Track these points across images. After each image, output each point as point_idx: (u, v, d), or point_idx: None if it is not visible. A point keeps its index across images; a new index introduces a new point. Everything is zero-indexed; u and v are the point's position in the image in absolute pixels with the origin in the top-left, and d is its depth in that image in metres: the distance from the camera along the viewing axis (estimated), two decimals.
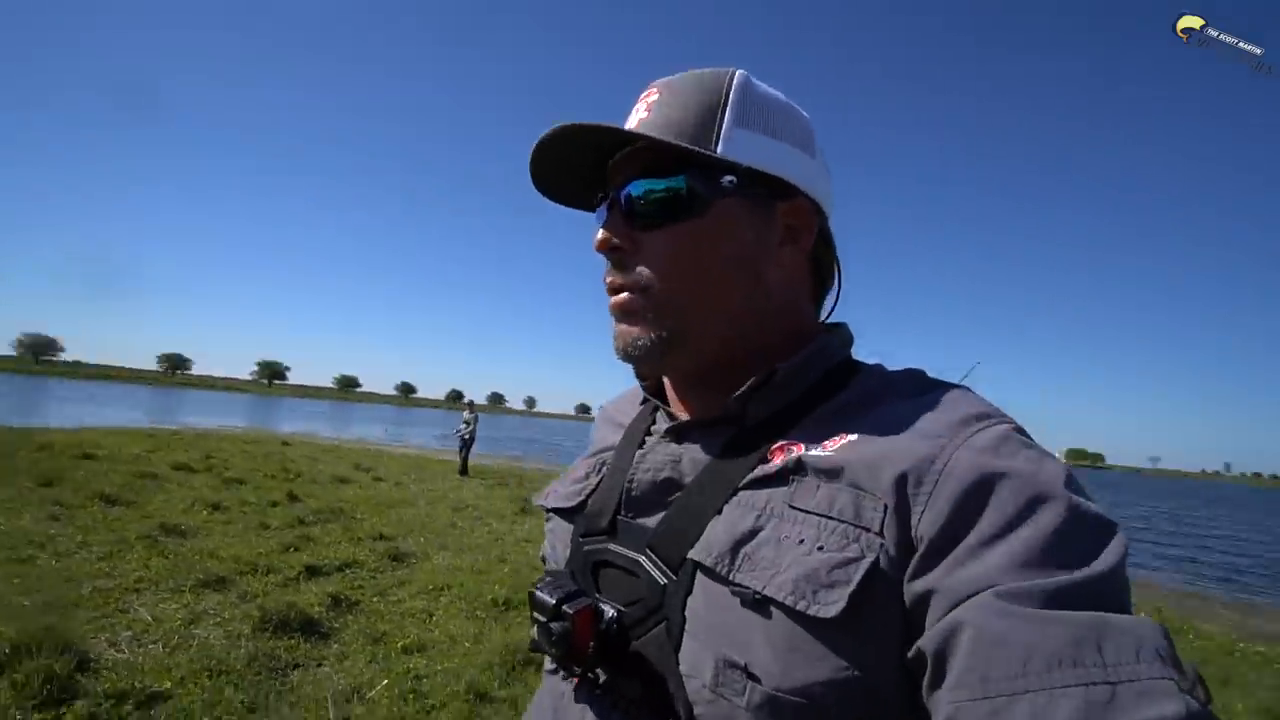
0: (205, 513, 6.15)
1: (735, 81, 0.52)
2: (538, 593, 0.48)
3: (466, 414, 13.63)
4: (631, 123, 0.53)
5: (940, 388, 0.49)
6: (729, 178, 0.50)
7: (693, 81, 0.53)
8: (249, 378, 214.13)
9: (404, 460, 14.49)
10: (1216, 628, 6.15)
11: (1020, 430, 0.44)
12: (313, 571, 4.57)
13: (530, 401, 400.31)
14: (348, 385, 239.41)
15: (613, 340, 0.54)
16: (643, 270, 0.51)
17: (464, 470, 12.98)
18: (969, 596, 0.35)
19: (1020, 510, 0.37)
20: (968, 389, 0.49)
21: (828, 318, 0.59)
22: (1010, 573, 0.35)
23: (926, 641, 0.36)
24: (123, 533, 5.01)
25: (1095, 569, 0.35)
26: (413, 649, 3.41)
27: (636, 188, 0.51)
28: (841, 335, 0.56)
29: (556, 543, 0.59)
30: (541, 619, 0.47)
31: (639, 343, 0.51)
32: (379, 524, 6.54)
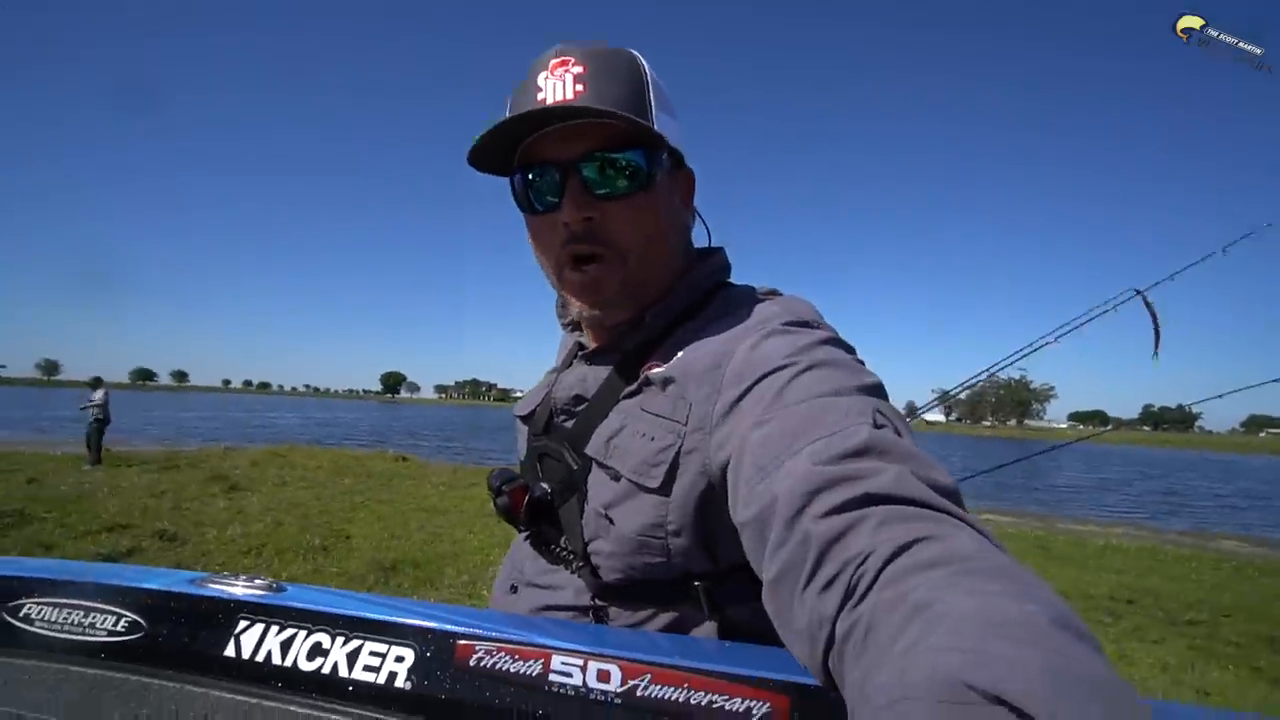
0: None
1: (647, 67, 0.61)
2: (490, 479, 0.70)
3: (96, 393, 11.26)
4: (560, 92, 0.57)
5: (765, 299, 0.64)
6: (664, 155, 0.62)
7: (613, 60, 0.59)
8: None
9: None
10: None
11: (802, 324, 0.57)
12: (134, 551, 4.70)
13: (180, 375, 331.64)
14: None
15: (578, 293, 0.64)
16: (613, 237, 0.60)
17: (96, 459, 10.86)
18: (742, 441, 0.48)
19: (776, 377, 0.50)
20: (786, 297, 0.64)
21: (709, 243, 0.72)
22: (764, 410, 0.48)
23: (739, 507, 0.47)
24: None
25: (845, 386, 0.48)
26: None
27: (596, 161, 0.58)
28: (713, 263, 0.70)
29: (520, 440, 0.77)
30: (492, 495, 0.70)
31: (609, 296, 0.63)
32: (91, 519, 6.07)
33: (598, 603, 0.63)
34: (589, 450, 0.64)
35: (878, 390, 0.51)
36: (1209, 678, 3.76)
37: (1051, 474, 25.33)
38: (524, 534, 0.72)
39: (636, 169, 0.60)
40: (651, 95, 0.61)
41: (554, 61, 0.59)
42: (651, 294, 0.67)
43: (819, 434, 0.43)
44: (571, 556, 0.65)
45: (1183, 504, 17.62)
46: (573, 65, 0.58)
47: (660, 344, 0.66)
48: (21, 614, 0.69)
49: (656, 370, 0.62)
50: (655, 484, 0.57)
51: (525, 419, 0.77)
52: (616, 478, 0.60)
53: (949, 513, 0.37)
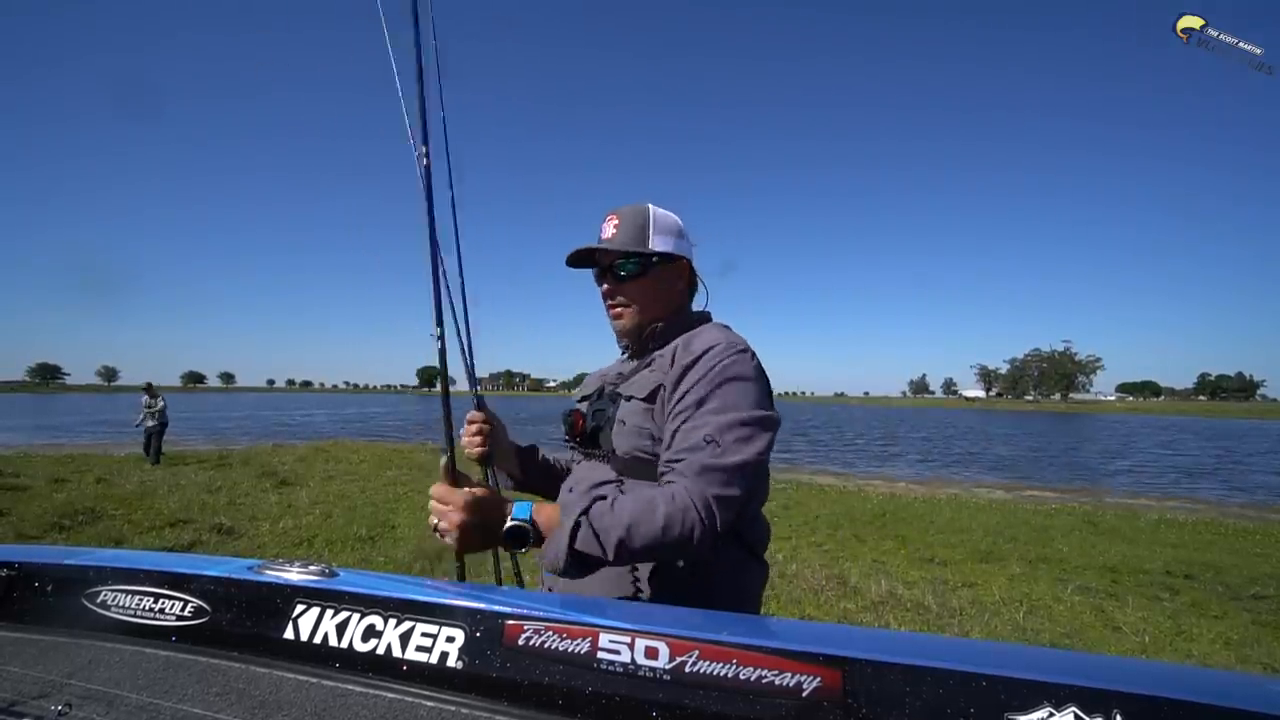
0: None
1: (652, 213, 1.14)
2: (563, 414, 1.20)
3: (147, 398, 11.86)
4: (607, 234, 1.14)
5: (708, 328, 1.11)
6: (654, 258, 1.13)
7: (633, 213, 1.14)
8: None
9: (56, 460, 11.62)
10: (837, 481, 11.11)
11: (731, 347, 1.02)
12: (195, 545, 4.95)
13: (228, 377, 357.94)
14: None
15: (615, 330, 1.18)
16: (626, 301, 1.15)
17: (156, 459, 11.45)
18: (676, 398, 1.01)
19: (700, 376, 0.99)
20: (718, 326, 1.12)
21: (704, 308, 1.22)
22: (687, 388, 1.00)
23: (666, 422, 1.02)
24: None
25: (728, 397, 0.97)
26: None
27: (619, 264, 1.13)
28: (694, 316, 1.19)
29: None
30: (563, 419, 1.19)
31: (629, 332, 1.16)
32: (154, 515, 6.40)
33: (621, 478, 1.05)
34: (620, 389, 1.11)
35: (740, 404, 0.97)
36: (1277, 653, 3.60)
37: (1126, 453, 24.04)
38: (577, 449, 1.18)
39: (634, 266, 1.14)
40: (651, 228, 1.13)
41: (609, 215, 1.16)
42: (651, 327, 1.16)
43: (708, 440, 0.93)
44: (603, 453, 1.10)
45: None
46: (614, 219, 1.15)
47: (662, 349, 1.14)
48: (99, 600, 0.73)
49: (659, 356, 1.11)
50: (644, 395, 1.06)
51: (585, 399, 1.23)
52: (629, 399, 1.08)
53: (690, 473, 0.91)
